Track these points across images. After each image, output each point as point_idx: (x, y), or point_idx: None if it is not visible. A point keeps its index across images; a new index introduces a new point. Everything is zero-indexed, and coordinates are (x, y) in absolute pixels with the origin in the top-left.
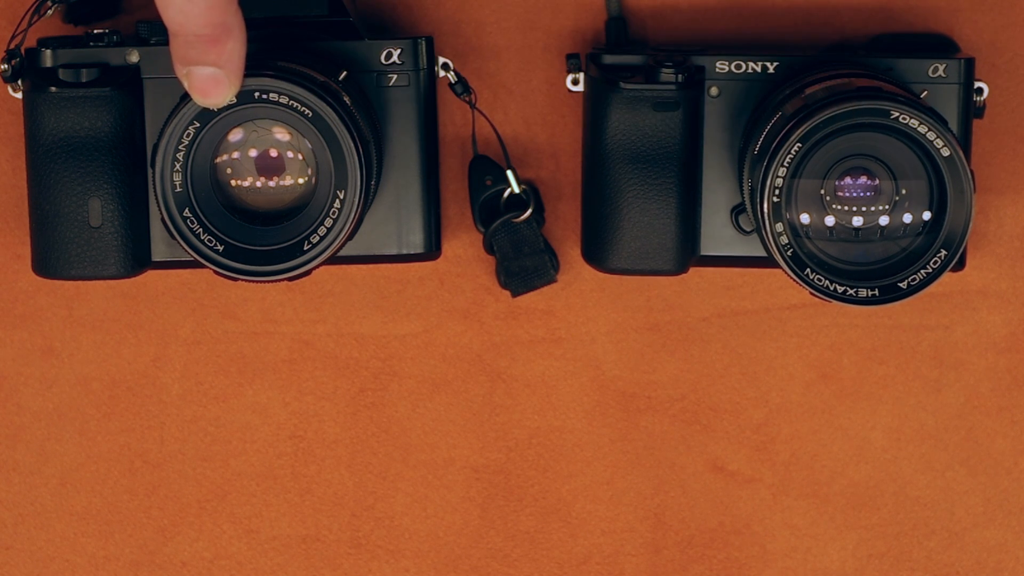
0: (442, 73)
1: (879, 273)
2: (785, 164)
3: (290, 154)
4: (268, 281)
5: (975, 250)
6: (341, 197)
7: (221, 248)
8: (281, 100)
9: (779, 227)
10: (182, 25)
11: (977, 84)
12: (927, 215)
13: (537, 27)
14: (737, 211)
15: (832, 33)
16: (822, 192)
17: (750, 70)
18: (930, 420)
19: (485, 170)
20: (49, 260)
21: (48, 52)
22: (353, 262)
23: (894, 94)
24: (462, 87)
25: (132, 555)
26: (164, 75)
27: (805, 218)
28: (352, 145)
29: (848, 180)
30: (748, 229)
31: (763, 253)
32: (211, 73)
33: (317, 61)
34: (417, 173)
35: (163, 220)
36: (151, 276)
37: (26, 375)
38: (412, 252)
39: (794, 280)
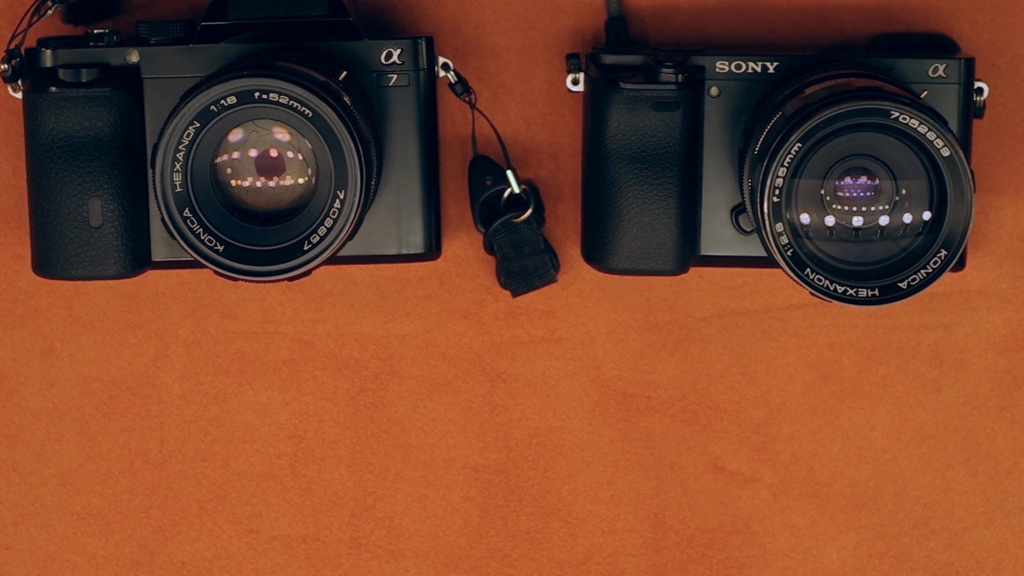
0: (442, 73)
1: (879, 273)
2: (785, 164)
3: (290, 154)
4: (268, 281)
5: (975, 250)
6: (341, 197)
7: (221, 248)
8: (281, 100)
9: (779, 227)
10: None
11: (977, 84)
12: (927, 215)
13: (537, 27)
14: (737, 211)
15: (832, 33)
16: (822, 192)
17: (750, 70)
18: (930, 420)
19: (485, 170)
20: (49, 260)
21: (48, 52)
22: (353, 262)
23: (894, 94)
24: (462, 87)
25: (132, 555)
26: (164, 75)
27: (805, 218)
28: (352, 145)
29: (848, 180)
30: (748, 229)
31: (763, 253)
32: None
33: (317, 61)
34: (417, 173)
35: (163, 220)
36: (151, 276)
37: (26, 375)
38: (412, 252)
39: (794, 280)
